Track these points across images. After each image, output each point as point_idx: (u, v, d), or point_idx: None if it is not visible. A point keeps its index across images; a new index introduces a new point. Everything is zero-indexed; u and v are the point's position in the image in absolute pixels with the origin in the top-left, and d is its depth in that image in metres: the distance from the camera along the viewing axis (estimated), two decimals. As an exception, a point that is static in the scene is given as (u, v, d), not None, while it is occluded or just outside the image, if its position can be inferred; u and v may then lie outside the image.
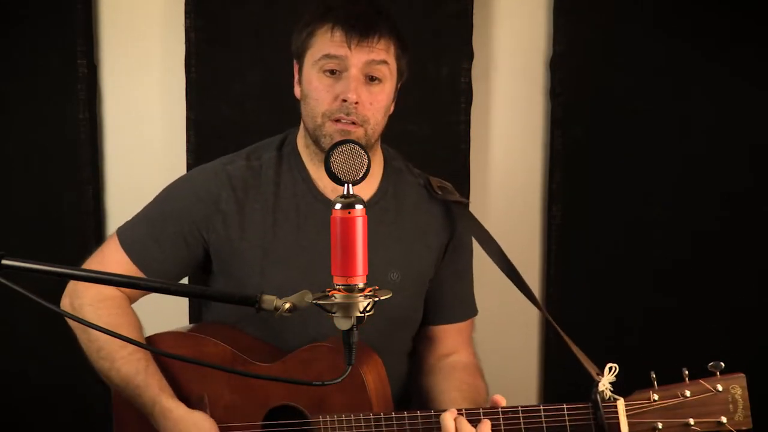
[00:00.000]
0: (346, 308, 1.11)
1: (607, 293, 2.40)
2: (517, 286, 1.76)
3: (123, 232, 1.75)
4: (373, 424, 1.58)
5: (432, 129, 2.37)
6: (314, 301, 1.13)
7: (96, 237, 2.41)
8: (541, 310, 1.75)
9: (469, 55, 2.36)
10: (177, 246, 1.71)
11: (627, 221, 2.38)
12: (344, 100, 1.63)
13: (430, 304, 1.83)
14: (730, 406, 1.50)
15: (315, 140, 1.69)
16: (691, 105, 2.34)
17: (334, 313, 1.12)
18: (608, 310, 2.41)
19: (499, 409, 1.54)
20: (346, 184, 1.13)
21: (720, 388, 1.50)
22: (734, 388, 1.50)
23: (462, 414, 1.54)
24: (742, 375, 1.51)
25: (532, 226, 2.47)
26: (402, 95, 2.35)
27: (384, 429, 1.58)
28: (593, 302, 2.39)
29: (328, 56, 1.64)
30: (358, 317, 1.12)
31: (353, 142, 1.14)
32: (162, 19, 2.41)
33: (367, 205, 1.72)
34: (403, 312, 1.75)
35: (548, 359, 2.48)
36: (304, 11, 1.75)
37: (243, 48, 2.33)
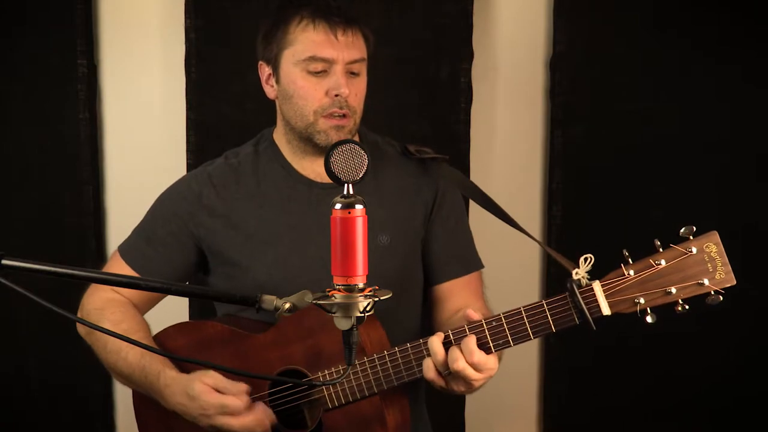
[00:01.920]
0: (346, 308, 1.12)
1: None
2: (505, 221, 1.77)
3: (122, 245, 1.84)
4: (368, 366, 1.61)
5: (432, 129, 2.38)
6: (314, 301, 1.13)
7: (96, 237, 2.42)
8: (525, 233, 1.75)
9: (469, 55, 2.36)
10: (170, 246, 1.78)
11: (627, 221, 2.38)
12: (336, 95, 1.68)
13: (428, 264, 1.84)
14: (708, 265, 1.43)
15: (307, 137, 1.73)
16: (691, 104, 2.34)
17: (334, 313, 1.12)
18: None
19: (483, 321, 1.55)
20: (346, 184, 1.13)
21: (694, 249, 1.43)
22: (708, 246, 1.43)
23: (449, 336, 1.56)
24: (715, 232, 1.44)
25: (532, 226, 2.46)
26: (402, 95, 2.36)
27: (379, 369, 1.61)
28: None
29: (314, 58, 1.68)
30: (358, 317, 1.12)
31: (353, 141, 1.14)
32: (162, 19, 2.41)
33: None
34: (399, 274, 1.76)
35: (548, 358, 2.49)
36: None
37: (243, 48, 2.32)
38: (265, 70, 1.77)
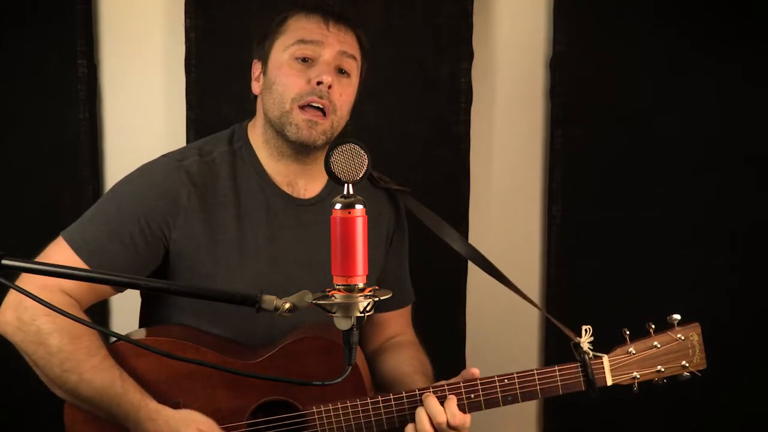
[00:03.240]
0: (346, 308, 1.12)
1: (607, 293, 2.40)
2: (479, 266, 1.83)
3: (70, 233, 1.64)
4: (370, 407, 1.61)
5: (432, 129, 2.37)
6: (314, 302, 1.13)
7: (96, 237, 2.41)
8: (507, 284, 1.84)
9: (469, 55, 2.36)
10: (135, 244, 1.62)
11: (627, 221, 2.38)
12: (318, 83, 1.63)
13: None
14: (690, 351, 1.71)
15: (280, 130, 1.67)
16: (691, 104, 2.34)
17: (334, 313, 1.12)
18: (609, 311, 2.40)
19: (495, 378, 1.62)
20: (346, 184, 1.13)
21: (682, 337, 1.71)
22: (692, 336, 1.72)
23: (461, 390, 1.62)
24: (697, 324, 1.72)
25: (532, 226, 2.47)
26: (402, 95, 2.36)
27: (382, 410, 1.61)
28: (594, 302, 2.39)
29: (302, 41, 1.66)
30: (358, 317, 1.12)
31: (353, 141, 1.14)
32: (162, 19, 2.41)
33: (316, 201, 1.75)
34: None
35: (548, 360, 2.48)
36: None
37: (243, 48, 2.32)
38: (257, 68, 1.76)
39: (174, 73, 2.38)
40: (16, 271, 1.14)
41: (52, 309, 1.11)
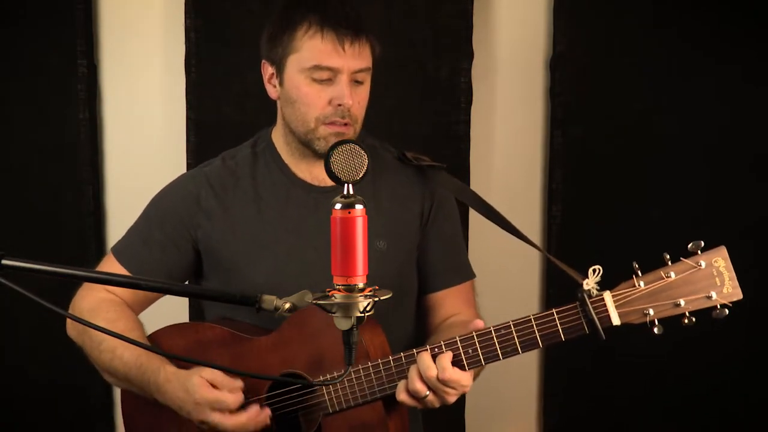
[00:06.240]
0: (346, 308, 1.12)
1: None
2: (506, 229, 1.77)
3: (116, 246, 1.82)
4: (371, 371, 1.61)
5: (432, 129, 2.38)
6: (314, 301, 1.13)
7: (96, 237, 2.42)
8: (526, 241, 1.76)
9: (469, 55, 2.36)
10: (166, 249, 1.76)
11: (627, 221, 2.38)
12: (339, 105, 1.67)
13: (423, 272, 1.84)
14: (716, 279, 1.48)
15: (306, 143, 1.72)
16: (691, 104, 2.34)
17: (333, 313, 1.13)
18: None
19: (491, 328, 1.55)
20: (346, 184, 1.13)
21: (703, 263, 1.48)
22: (717, 261, 1.48)
23: (457, 346, 1.55)
24: (723, 247, 1.49)
25: (532, 226, 2.47)
26: (402, 95, 2.36)
27: (383, 374, 1.60)
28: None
29: (319, 67, 1.67)
30: (358, 317, 1.12)
31: (353, 142, 1.14)
32: (162, 19, 2.41)
33: (337, 187, 1.76)
34: (395, 280, 1.74)
35: (548, 359, 2.49)
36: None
37: (243, 48, 2.33)
38: (268, 70, 1.75)
39: (174, 73, 2.38)
40: (16, 271, 1.14)
41: (67, 316, 1.11)
